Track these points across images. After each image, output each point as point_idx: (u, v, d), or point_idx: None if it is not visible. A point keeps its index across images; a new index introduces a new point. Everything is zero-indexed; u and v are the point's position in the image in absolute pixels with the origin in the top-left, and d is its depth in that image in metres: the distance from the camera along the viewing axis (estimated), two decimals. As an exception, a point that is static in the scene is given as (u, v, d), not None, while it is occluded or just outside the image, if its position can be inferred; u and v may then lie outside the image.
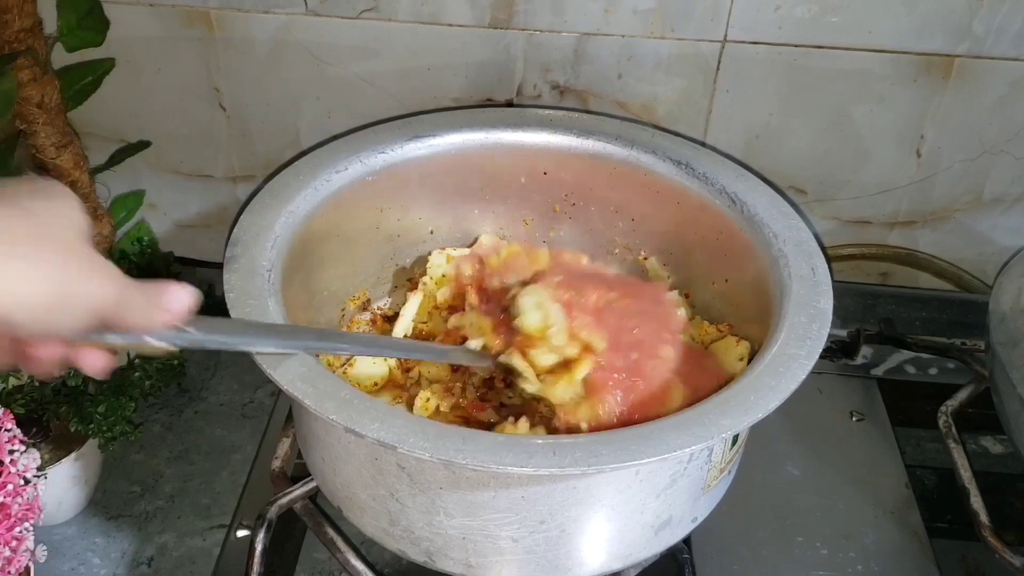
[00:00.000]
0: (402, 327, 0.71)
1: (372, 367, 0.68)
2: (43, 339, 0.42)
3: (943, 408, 0.77)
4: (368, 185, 0.71)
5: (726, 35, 0.78)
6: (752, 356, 0.65)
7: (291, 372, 0.52)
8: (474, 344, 0.65)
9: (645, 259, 0.75)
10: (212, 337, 0.49)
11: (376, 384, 0.68)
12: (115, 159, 0.82)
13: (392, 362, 0.69)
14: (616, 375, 0.60)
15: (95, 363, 0.45)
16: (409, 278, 0.78)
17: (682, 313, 0.67)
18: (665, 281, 0.73)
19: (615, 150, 0.73)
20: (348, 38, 0.80)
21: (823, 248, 0.64)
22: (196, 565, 0.70)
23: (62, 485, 0.70)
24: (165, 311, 0.45)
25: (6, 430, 0.61)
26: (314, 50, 0.81)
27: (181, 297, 0.45)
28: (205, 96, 0.84)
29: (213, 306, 0.82)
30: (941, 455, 0.75)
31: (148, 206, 0.90)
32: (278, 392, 0.82)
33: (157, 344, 0.45)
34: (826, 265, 0.62)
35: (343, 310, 0.74)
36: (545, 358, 0.62)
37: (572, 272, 0.69)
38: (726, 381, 0.58)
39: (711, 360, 0.65)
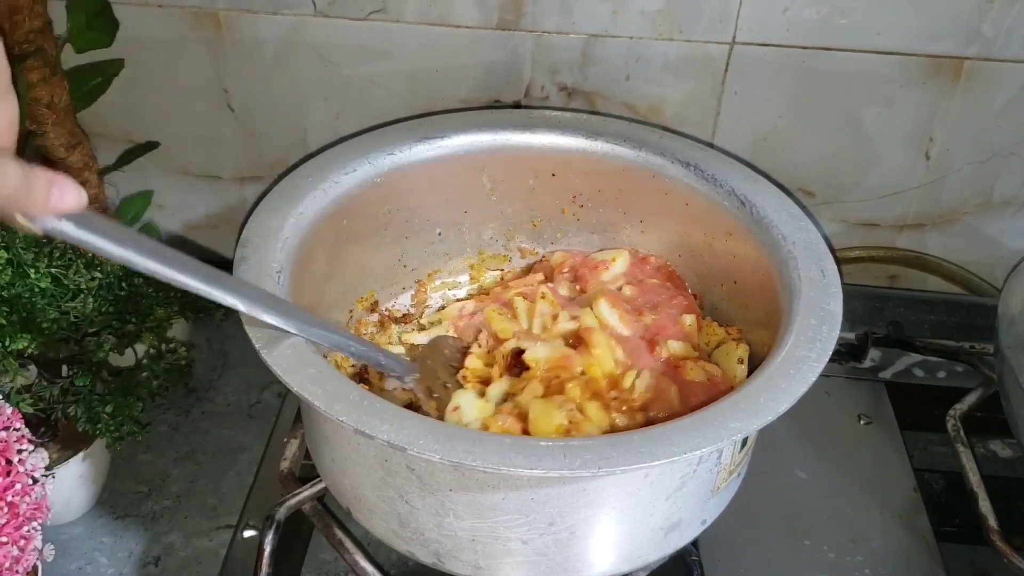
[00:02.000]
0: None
1: None
2: None
3: (952, 412, 0.77)
4: (376, 187, 0.71)
5: (734, 37, 0.78)
6: (752, 358, 0.65)
7: (301, 374, 0.52)
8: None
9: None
10: (85, 236, 0.44)
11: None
12: (124, 160, 0.83)
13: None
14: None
15: None
16: (417, 280, 0.78)
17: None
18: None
19: (624, 151, 0.73)
20: (356, 39, 0.80)
21: (832, 250, 0.64)
22: (202, 565, 0.70)
23: (70, 484, 0.70)
24: (45, 202, 0.42)
25: (14, 429, 0.61)
26: (322, 51, 0.81)
27: (67, 195, 0.43)
28: (213, 97, 0.84)
29: (220, 307, 0.82)
30: (949, 459, 0.75)
31: (156, 207, 0.90)
32: (285, 393, 0.83)
33: (23, 223, 0.43)
34: (836, 267, 0.62)
35: (351, 311, 0.74)
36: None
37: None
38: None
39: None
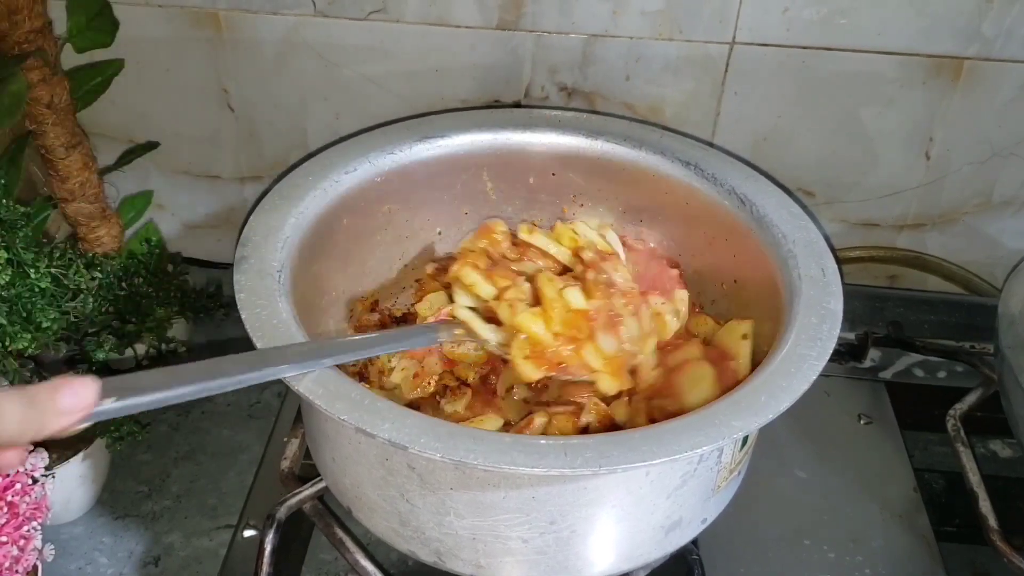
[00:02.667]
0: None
1: None
2: None
3: (952, 411, 0.77)
4: (377, 186, 0.71)
5: (734, 37, 0.78)
6: (753, 356, 0.65)
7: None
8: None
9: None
10: (133, 401, 0.44)
11: None
12: (124, 160, 0.83)
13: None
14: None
15: (7, 461, 0.42)
16: (417, 279, 0.78)
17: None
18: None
19: (624, 151, 0.73)
20: (356, 39, 0.80)
21: (832, 249, 0.64)
22: (203, 565, 0.70)
23: (70, 484, 0.70)
24: (61, 415, 0.40)
25: (15, 429, 0.61)
26: (322, 51, 0.81)
27: (79, 394, 0.41)
28: (213, 97, 0.84)
29: (220, 307, 0.82)
30: (949, 459, 0.75)
31: (156, 206, 0.90)
32: (285, 392, 0.82)
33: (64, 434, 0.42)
34: (836, 265, 0.62)
35: (352, 311, 0.74)
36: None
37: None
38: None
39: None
